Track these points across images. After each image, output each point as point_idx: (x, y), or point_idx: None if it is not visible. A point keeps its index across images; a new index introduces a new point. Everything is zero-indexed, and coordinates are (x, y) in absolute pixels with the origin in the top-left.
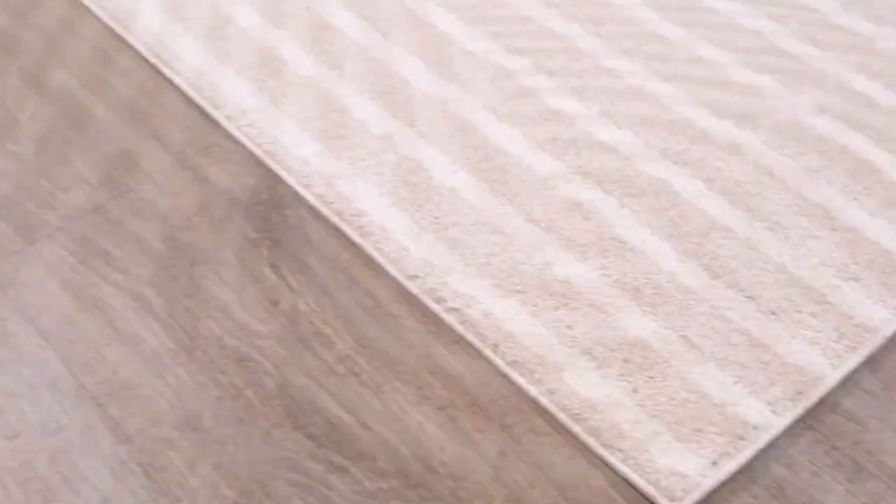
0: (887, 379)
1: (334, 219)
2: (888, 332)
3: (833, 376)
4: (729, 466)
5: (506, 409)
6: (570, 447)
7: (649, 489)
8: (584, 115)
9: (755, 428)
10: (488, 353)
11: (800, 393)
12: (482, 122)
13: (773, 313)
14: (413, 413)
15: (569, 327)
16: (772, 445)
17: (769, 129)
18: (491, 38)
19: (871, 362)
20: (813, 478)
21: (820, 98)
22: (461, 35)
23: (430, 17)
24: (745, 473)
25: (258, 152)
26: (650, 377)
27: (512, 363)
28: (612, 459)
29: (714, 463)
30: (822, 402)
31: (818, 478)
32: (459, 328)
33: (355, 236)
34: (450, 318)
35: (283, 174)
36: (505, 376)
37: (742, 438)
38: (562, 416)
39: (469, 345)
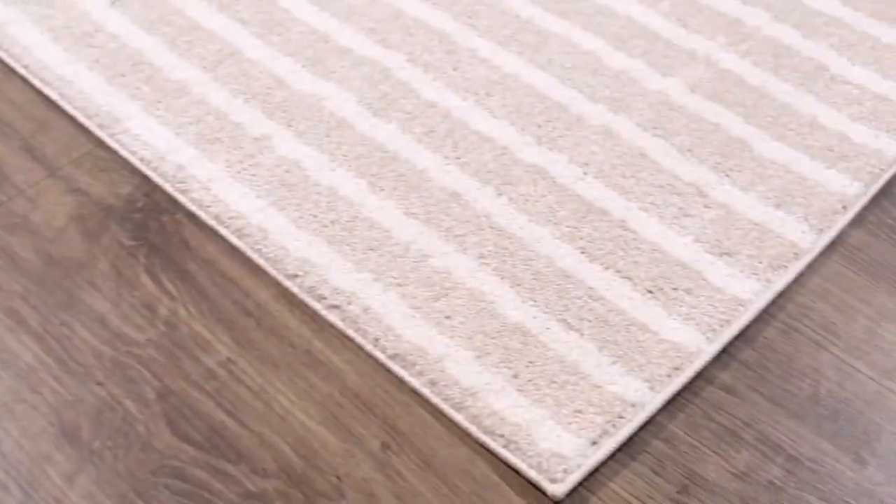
0: (761, 350)
1: (212, 222)
2: (761, 304)
3: (709, 350)
4: (609, 445)
5: (388, 402)
6: (452, 436)
7: (531, 473)
8: (460, 107)
9: (633, 405)
10: (369, 347)
11: (677, 368)
12: (359, 118)
13: (649, 292)
14: (296, 412)
15: (448, 318)
16: (651, 422)
17: (642, 112)
18: (365, 34)
19: (746, 335)
20: (692, 451)
21: (690, 78)
22: (335, 32)
23: (303, 15)
24: (626, 451)
25: (133, 160)
26: (530, 362)
27: (393, 356)
28: (494, 445)
29: (594, 443)
30: (699, 376)
31: (697, 451)
32: (340, 324)
33: (234, 239)
34: (330, 316)
35: (159, 180)
36: (387, 370)
37: (621, 416)
38: (444, 406)
39: (350, 340)
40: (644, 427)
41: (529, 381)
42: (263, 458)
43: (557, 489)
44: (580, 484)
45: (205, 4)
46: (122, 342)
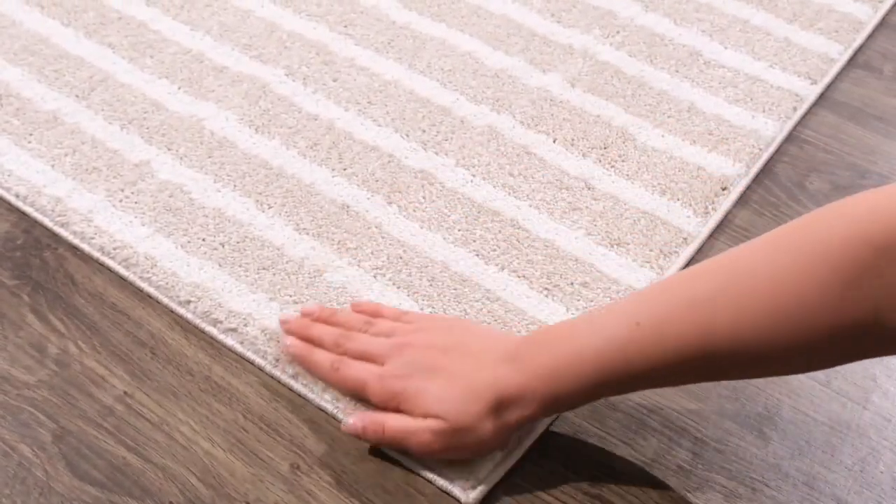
0: None
1: (97, 254)
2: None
3: None
4: (520, 448)
5: (294, 422)
6: (362, 451)
7: (444, 482)
8: (342, 118)
9: None
10: (270, 368)
11: None
12: (240, 136)
13: (546, 289)
14: (200, 441)
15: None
16: (558, 417)
17: (524, 109)
18: (241, 51)
19: None
20: (601, 442)
21: (570, 73)
22: (209, 51)
23: (174, 35)
24: (536, 450)
25: (8, 196)
26: None
27: (294, 375)
28: (405, 458)
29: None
30: None
31: (605, 442)
32: (239, 348)
33: (121, 269)
34: (228, 340)
35: (38, 216)
36: (290, 389)
37: None
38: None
39: (250, 363)
40: (551, 424)
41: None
42: (169, 492)
43: (470, 497)
44: (493, 487)
45: (71, 31)
46: (11, 385)
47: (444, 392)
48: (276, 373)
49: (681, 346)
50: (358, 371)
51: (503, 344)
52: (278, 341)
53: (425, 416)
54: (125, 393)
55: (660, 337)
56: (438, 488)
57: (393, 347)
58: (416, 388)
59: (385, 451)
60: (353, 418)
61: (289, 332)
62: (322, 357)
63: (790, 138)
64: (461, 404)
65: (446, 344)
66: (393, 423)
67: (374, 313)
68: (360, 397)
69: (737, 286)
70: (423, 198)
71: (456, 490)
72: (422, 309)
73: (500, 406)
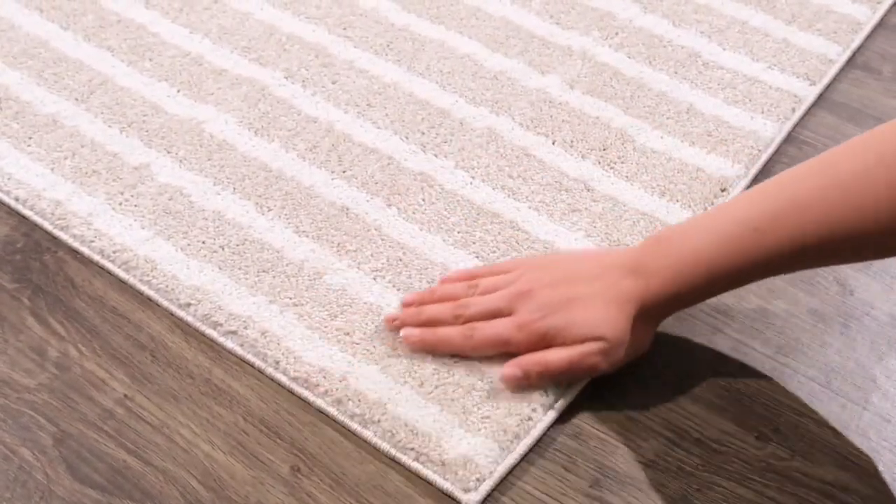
0: (660, 337)
1: (96, 258)
2: None
3: None
4: (520, 448)
5: (294, 424)
6: (362, 452)
7: (444, 483)
8: (342, 120)
9: (542, 405)
10: (270, 371)
11: None
12: (240, 139)
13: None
14: (200, 444)
15: (348, 334)
16: (558, 419)
17: (524, 111)
18: (240, 54)
19: None
20: (601, 444)
21: (569, 75)
22: (208, 53)
23: (173, 38)
24: (535, 450)
25: (7, 200)
26: (435, 370)
27: (295, 378)
28: (405, 459)
29: (504, 448)
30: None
31: (606, 443)
32: (239, 350)
33: (121, 272)
34: (228, 342)
35: (37, 219)
36: (290, 392)
37: (529, 418)
38: (351, 424)
39: (250, 366)
40: (551, 425)
41: (437, 387)
42: (170, 495)
43: (471, 498)
44: (493, 488)
45: (70, 35)
46: (11, 389)
47: (592, 315)
48: (278, 375)
49: (792, 243)
50: (494, 328)
51: (616, 259)
52: (279, 343)
53: (582, 342)
54: (125, 396)
55: (775, 238)
56: (438, 489)
57: (515, 296)
58: (561, 322)
59: (386, 453)
60: (511, 367)
61: (403, 325)
62: (449, 332)
63: (789, 139)
64: (612, 321)
65: (564, 276)
66: (555, 357)
67: (469, 277)
68: (503, 354)
69: (836, 186)
70: (423, 200)
71: (457, 492)
72: None
73: (641, 313)
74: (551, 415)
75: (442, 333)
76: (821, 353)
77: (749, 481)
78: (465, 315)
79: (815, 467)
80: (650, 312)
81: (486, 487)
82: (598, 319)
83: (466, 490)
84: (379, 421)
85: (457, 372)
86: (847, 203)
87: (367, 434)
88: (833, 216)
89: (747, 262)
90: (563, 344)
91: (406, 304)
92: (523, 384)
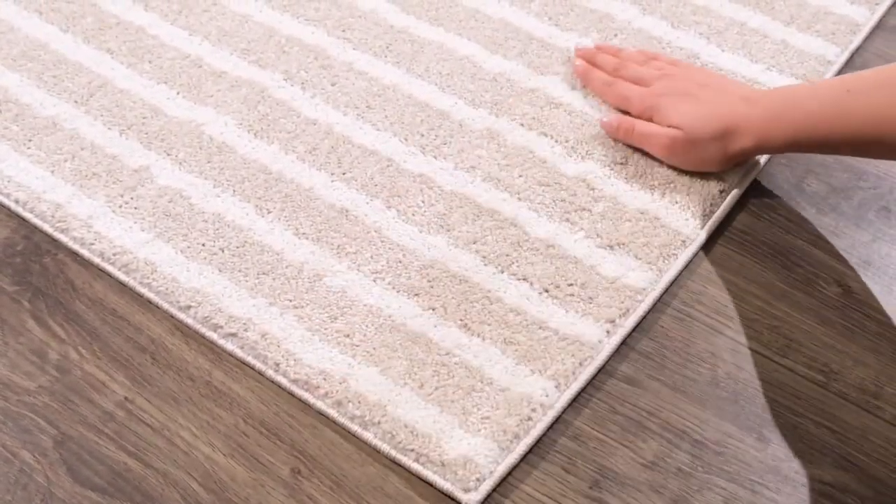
0: (659, 339)
1: (96, 260)
2: (656, 294)
3: (610, 343)
4: (519, 448)
5: (295, 426)
6: (362, 454)
7: (444, 484)
8: (341, 122)
9: (541, 405)
10: (270, 373)
11: (580, 364)
12: (239, 141)
13: (545, 290)
14: (200, 446)
15: (348, 336)
16: (557, 420)
17: (524, 112)
18: (239, 56)
19: (642, 325)
20: (600, 445)
21: (568, 76)
22: (208, 56)
23: (173, 40)
24: (535, 452)
25: (7, 202)
26: (435, 371)
27: (295, 381)
28: (405, 460)
29: (504, 448)
30: (601, 369)
31: (605, 444)
32: (239, 353)
33: (121, 275)
34: (228, 344)
35: (37, 221)
36: (291, 394)
37: (529, 419)
38: (351, 426)
39: (250, 368)
40: (551, 426)
41: (437, 389)
42: (171, 497)
43: (471, 498)
44: (493, 490)
45: (69, 37)
46: (12, 392)
47: (691, 109)
48: (278, 378)
49: (877, 123)
50: (627, 88)
51: (744, 90)
52: (279, 345)
53: (669, 125)
54: (126, 398)
55: (866, 106)
56: (439, 490)
57: (658, 76)
58: (668, 103)
59: (386, 454)
60: (610, 118)
61: (578, 56)
62: (600, 75)
63: None
64: (700, 121)
65: (704, 81)
66: (641, 126)
67: (654, 57)
68: (624, 110)
69: None
70: (423, 201)
71: (457, 492)
72: (423, 311)
73: (728, 132)
74: (551, 415)
75: (594, 74)
76: (820, 353)
77: (748, 482)
78: (620, 73)
79: (814, 468)
80: (742, 140)
81: (486, 487)
82: (692, 115)
83: (466, 490)
84: (379, 422)
85: (457, 373)
86: None
87: (368, 436)
88: None
89: (832, 117)
90: (659, 122)
91: (598, 47)
92: (612, 133)
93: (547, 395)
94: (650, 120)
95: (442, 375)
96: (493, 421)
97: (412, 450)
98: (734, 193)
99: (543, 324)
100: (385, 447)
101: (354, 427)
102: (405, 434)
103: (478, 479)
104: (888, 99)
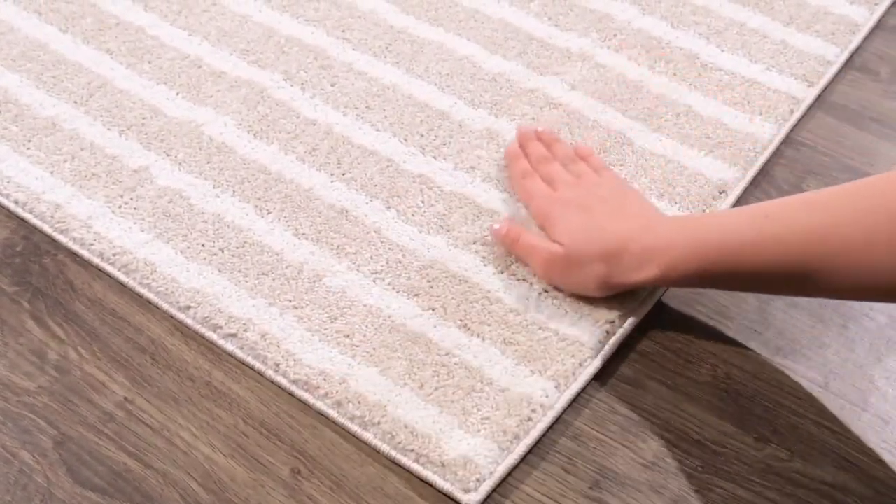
0: (658, 339)
1: (96, 260)
2: (656, 294)
3: (609, 343)
4: (519, 449)
5: (294, 427)
6: (362, 454)
7: (444, 485)
8: (341, 122)
9: (541, 406)
10: (270, 373)
11: (580, 365)
12: (239, 141)
13: (545, 291)
14: (200, 446)
15: (347, 336)
16: (557, 420)
17: (523, 113)
18: (239, 56)
19: (643, 325)
20: (600, 446)
21: (568, 76)
22: (207, 56)
23: (172, 41)
24: (535, 452)
25: (7, 203)
26: (435, 371)
27: (295, 381)
28: (405, 461)
29: (504, 448)
30: (602, 370)
31: (605, 445)
32: (239, 353)
33: (120, 275)
34: (228, 345)
35: (37, 222)
36: (290, 394)
37: (529, 419)
38: (351, 426)
39: (250, 368)
40: (551, 427)
41: (436, 389)
42: (171, 498)
43: (471, 499)
44: (493, 490)
45: (69, 37)
46: (11, 392)
47: (578, 225)
48: (278, 378)
49: (802, 248)
50: (534, 186)
51: (649, 215)
52: (278, 346)
53: (554, 240)
54: (125, 399)
55: (786, 232)
56: (439, 491)
57: (569, 183)
58: (560, 214)
59: (386, 454)
60: (502, 222)
61: (518, 136)
62: (521, 166)
63: (787, 141)
64: (583, 240)
65: (609, 196)
66: (526, 237)
67: (585, 156)
68: (525, 206)
69: (872, 210)
70: (422, 202)
71: (457, 493)
72: (423, 311)
73: (615, 255)
74: (551, 415)
75: (518, 162)
76: (820, 354)
77: (748, 482)
78: (540, 167)
79: (814, 468)
80: (634, 269)
81: (486, 488)
82: (576, 231)
83: (466, 490)
84: (379, 423)
85: (456, 374)
86: (873, 229)
87: (367, 436)
88: (853, 231)
89: (745, 257)
90: (548, 233)
91: (536, 133)
92: (500, 239)
93: (547, 396)
94: (543, 227)
95: (442, 376)
96: (492, 421)
97: (412, 450)
98: (734, 193)
99: (543, 324)
100: (385, 447)
101: (354, 427)
102: (405, 434)
103: (478, 480)
104: (814, 221)
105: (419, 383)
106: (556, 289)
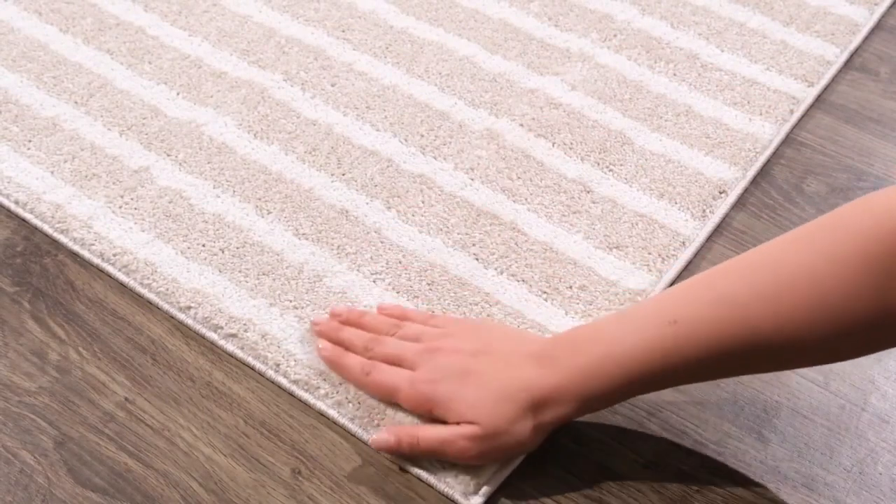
0: None
1: (96, 261)
2: (653, 293)
3: None
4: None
5: (295, 427)
6: (363, 455)
7: (445, 487)
8: (341, 122)
9: None
10: (271, 373)
11: None
12: (239, 142)
13: (544, 293)
14: (201, 447)
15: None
16: None
17: (524, 113)
18: (239, 56)
19: None
20: (601, 446)
21: (568, 76)
22: (207, 56)
23: (172, 41)
24: (536, 454)
25: (7, 203)
26: None
27: (295, 381)
28: (406, 463)
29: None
30: None
31: (606, 445)
32: (239, 353)
33: (121, 275)
34: (228, 345)
35: (37, 222)
36: (291, 394)
37: None
38: (352, 427)
39: (251, 368)
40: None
41: None
42: (171, 498)
43: (472, 501)
44: (494, 491)
45: (69, 38)
46: (12, 392)
47: (477, 396)
48: (278, 378)
49: (720, 344)
50: (390, 376)
51: (531, 345)
52: (279, 346)
53: (459, 422)
54: (126, 399)
55: (697, 335)
56: (439, 493)
57: (422, 352)
58: (448, 392)
59: (385, 455)
60: (385, 432)
61: (319, 335)
62: (353, 361)
63: (787, 141)
64: (494, 408)
65: (475, 347)
66: (427, 433)
67: (402, 317)
68: (391, 402)
69: (775, 283)
70: (422, 202)
71: (457, 494)
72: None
73: (534, 407)
74: None
75: (347, 360)
76: None
77: (749, 483)
78: (374, 351)
79: (814, 469)
80: (556, 409)
81: (487, 490)
82: (481, 403)
83: (467, 494)
84: (378, 425)
85: None
86: (782, 302)
87: (367, 437)
88: (765, 316)
89: (668, 362)
90: (443, 418)
91: (333, 315)
92: (394, 451)
93: None
94: (430, 415)
95: None
96: None
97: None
98: (734, 193)
99: (542, 326)
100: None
101: (354, 428)
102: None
103: (478, 483)
104: (722, 314)
105: None
106: (556, 288)
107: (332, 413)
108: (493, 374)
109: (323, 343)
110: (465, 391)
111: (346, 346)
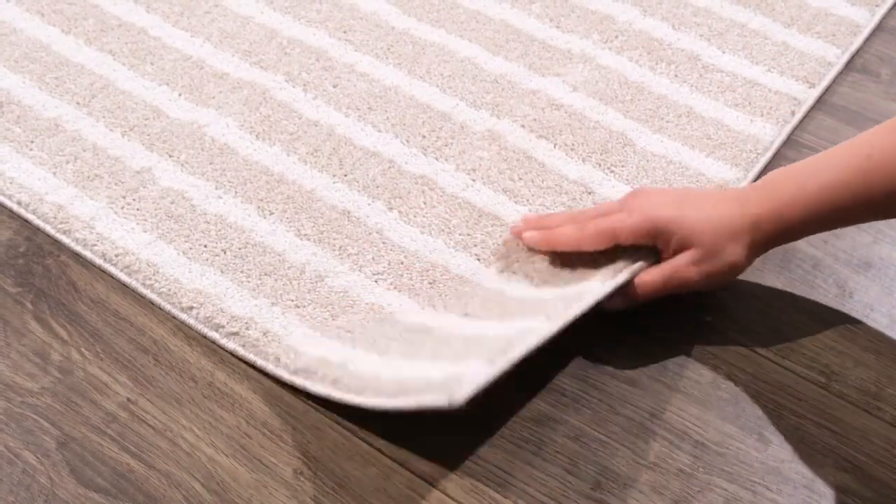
0: (659, 339)
1: (99, 261)
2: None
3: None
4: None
5: (297, 427)
6: (365, 455)
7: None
8: (343, 123)
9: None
10: (271, 368)
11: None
12: (241, 143)
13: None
14: (203, 447)
15: (349, 332)
16: (559, 421)
17: (525, 114)
18: (241, 57)
19: (644, 325)
20: (602, 447)
21: (569, 77)
22: (209, 57)
23: (174, 42)
24: (537, 453)
25: (10, 204)
26: None
27: (295, 371)
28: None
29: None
30: (602, 370)
31: (607, 446)
32: (240, 350)
33: (123, 276)
34: (229, 343)
35: (40, 223)
36: (293, 395)
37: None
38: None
39: (252, 365)
40: (552, 428)
41: None
42: (173, 498)
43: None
44: (494, 492)
45: (71, 39)
46: (14, 393)
47: (697, 218)
48: (279, 371)
49: None
50: (606, 221)
51: (726, 192)
52: (279, 342)
53: (679, 249)
54: (128, 399)
55: (889, 166)
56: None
57: (627, 199)
58: (668, 216)
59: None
60: (616, 298)
61: (526, 227)
62: (566, 228)
63: (788, 142)
64: (714, 229)
65: (675, 191)
66: (648, 277)
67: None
68: (613, 246)
69: None
70: (424, 203)
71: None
72: (422, 309)
73: (750, 229)
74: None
75: (558, 231)
76: (821, 354)
77: (749, 483)
78: (581, 219)
79: (815, 469)
80: (759, 230)
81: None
82: (701, 223)
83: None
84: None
85: None
86: None
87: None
88: None
89: (862, 193)
90: (665, 244)
91: (525, 220)
92: (646, 293)
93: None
94: (651, 242)
95: None
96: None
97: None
98: None
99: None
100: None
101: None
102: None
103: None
104: None
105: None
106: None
107: (334, 393)
108: (706, 201)
109: (530, 233)
110: (684, 213)
111: (547, 227)
